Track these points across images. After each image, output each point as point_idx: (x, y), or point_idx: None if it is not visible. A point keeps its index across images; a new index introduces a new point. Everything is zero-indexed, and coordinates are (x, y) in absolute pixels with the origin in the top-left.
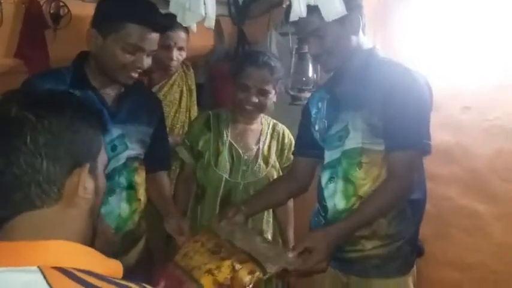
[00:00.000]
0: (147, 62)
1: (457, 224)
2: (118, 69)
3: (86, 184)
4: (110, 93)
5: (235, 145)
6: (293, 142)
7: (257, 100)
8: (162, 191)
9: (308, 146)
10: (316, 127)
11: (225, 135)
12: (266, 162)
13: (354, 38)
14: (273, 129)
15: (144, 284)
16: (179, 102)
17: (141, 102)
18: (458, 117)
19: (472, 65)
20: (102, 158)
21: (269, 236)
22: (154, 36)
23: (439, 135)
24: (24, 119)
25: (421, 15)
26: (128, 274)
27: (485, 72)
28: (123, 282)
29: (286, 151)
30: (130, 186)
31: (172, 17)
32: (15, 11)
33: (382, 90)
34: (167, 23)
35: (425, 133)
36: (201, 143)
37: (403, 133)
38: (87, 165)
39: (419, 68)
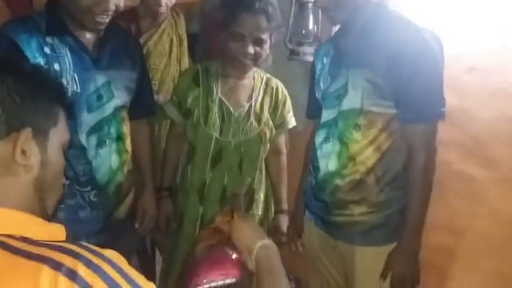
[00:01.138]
0: (115, 2)
1: (453, 188)
2: (82, 13)
3: (26, 149)
4: (89, 37)
5: (225, 102)
6: (288, 98)
7: (253, 51)
8: (141, 144)
9: (318, 107)
10: (321, 84)
11: (214, 91)
12: (258, 120)
13: None
14: (266, 84)
15: (84, 243)
16: (169, 53)
17: (122, 46)
18: (462, 79)
19: (478, 25)
20: (59, 134)
21: (261, 196)
22: None
23: None
24: None
25: None
26: (118, 228)
27: (492, 33)
28: (65, 245)
29: (280, 108)
30: (119, 137)
31: None
32: None
33: (389, 48)
34: None
35: (441, 100)
36: (189, 100)
37: (421, 104)
38: (27, 131)
39: (423, 25)
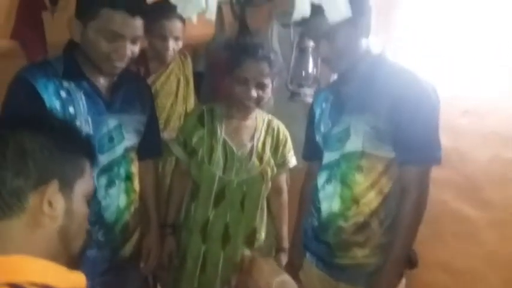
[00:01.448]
0: (131, 49)
1: (450, 228)
2: (101, 58)
3: (52, 201)
4: (103, 82)
5: (229, 141)
6: (288, 138)
7: (255, 94)
8: (147, 182)
9: (314, 149)
10: (322, 128)
11: (218, 131)
12: (260, 159)
13: (364, 40)
14: (268, 125)
15: None
16: (176, 92)
17: (134, 90)
18: (456, 121)
19: (473, 69)
20: (83, 185)
21: (262, 234)
22: (135, 21)
23: None
24: (2, 136)
25: (422, 17)
26: (123, 268)
27: (485, 77)
28: None
29: (281, 147)
30: (128, 177)
31: (167, 5)
32: None
33: (390, 96)
34: (148, 7)
35: (437, 144)
36: (194, 139)
37: (417, 147)
38: (55, 183)
39: (420, 70)
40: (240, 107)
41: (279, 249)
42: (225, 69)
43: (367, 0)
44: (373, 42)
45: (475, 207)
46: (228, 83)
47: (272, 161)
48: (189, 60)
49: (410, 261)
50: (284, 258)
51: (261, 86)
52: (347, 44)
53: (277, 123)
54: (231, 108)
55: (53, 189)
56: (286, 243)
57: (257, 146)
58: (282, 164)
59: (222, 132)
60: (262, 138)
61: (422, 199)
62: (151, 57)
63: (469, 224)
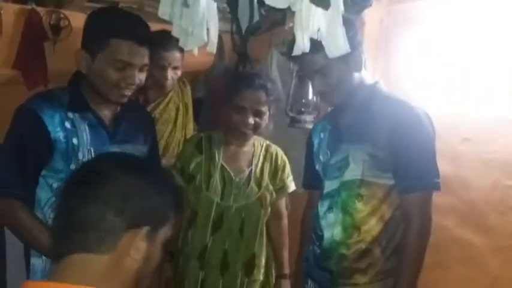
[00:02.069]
0: (139, 77)
1: (453, 254)
2: (110, 87)
3: (140, 246)
4: (106, 113)
5: (226, 168)
6: (287, 163)
7: (253, 121)
8: None
9: (314, 178)
10: (321, 157)
11: (216, 158)
12: (258, 185)
13: (357, 74)
14: (266, 150)
15: None
16: (175, 120)
17: (136, 121)
18: (457, 147)
19: (472, 96)
20: (166, 233)
21: (262, 260)
22: (142, 50)
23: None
24: (110, 172)
25: (422, 44)
26: None
27: (485, 104)
28: None
29: (279, 173)
30: None
31: (166, 36)
32: (14, 21)
33: (386, 124)
34: (153, 36)
35: (436, 171)
36: (192, 166)
37: (416, 174)
38: (145, 229)
39: (420, 97)
40: (238, 134)
41: (279, 276)
42: (224, 102)
43: (356, 36)
44: (366, 74)
45: (478, 234)
46: (226, 111)
47: (271, 187)
48: (189, 88)
49: None
50: (285, 285)
51: (258, 114)
52: (340, 79)
53: (275, 149)
54: (229, 135)
55: (142, 234)
56: (287, 270)
57: (255, 171)
58: (281, 189)
59: (219, 159)
60: (260, 164)
61: (425, 225)
62: (150, 86)
63: (472, 250)
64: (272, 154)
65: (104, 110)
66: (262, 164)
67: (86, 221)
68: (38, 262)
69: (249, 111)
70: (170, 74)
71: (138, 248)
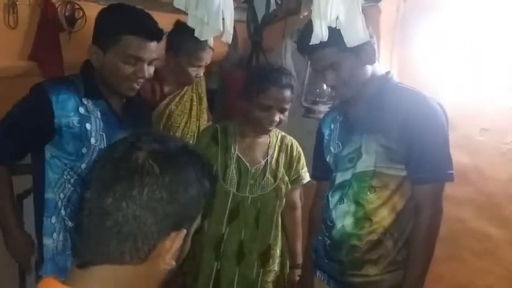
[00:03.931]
0: (148, 71)
1: (469, 246)
2: (121, 81)
3: (174, 250)
4: (117, 102)
5: (242, 159)
6: (302, 154)
7: (278, 119)
8: None
9: (324, 169)
10: (331, 149)
11: (232, 149)
12: (274, 176)
13: (369, 67)
14: (281, 141)
15: None
16: (189, 111)
17: (139, 109)
18: (475, 138)
19: (490, 86)
20: (196, 223)
21: (277, 251)
22: (152, 45)
23: (454, 155)
24: (149, 169)
25: (439, 34)
26: None
27: (503, 94)
28: None
29: (294, 164)
30: None
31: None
32: (30, 13)
33: (399, 115)
34: (161, 31)
35: (449, 162)
36: (208, 157)
37: (429, 165)
38: (184, 231)
39: (437, 87)
40: (261, 130)
41: (293, 266)
42: (239, 86)
43: (368, 29)
44: (379, 66)
45: (495, 225)
46: (249, 106)
47: (286, 178)
48: (203, 79)
49: None
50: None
51: (282, 111)
52: (352, 73)
53: (290, 140)
54: (246, 128)
55: (180, 238)
56: (300, 259)
57: (271, 162)
58: (295, 179)
59: (235, 150)
60: (276, 155)
61: (436, 216)
62: (167, 78)
63: (489, 242)
64: (287, 145)
65: (114, 98)
66: (278, 154)
67: (123, 226)
68: (49, 242)
69: (275, 109)
70: (201, 72)
71: (174, 252)
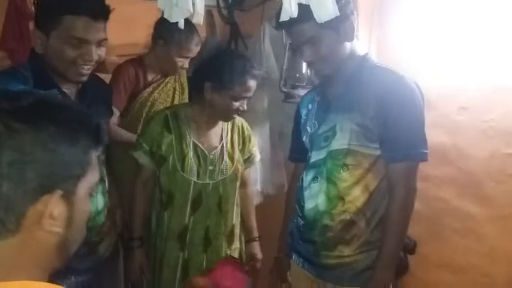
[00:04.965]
0: (97, 53)
1: (450, 225)
2: (67, 66)
3: (55, 214)
4: (69, 89)
5: (199, 145)
6: (251, 133)
7: (242, 108)
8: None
9: (300, 150)
10: (308, 128)
11: (187, 136)
12: (231, 159)
13: (348, 44)
14: (233, 123)
15: None
16: (172, 100)
17: (98, 94)
18: (454, 117)
19: (469, 65)
20: (89, 178)
21: (238, 228)
22: (98, 24)
23: (434, 135)
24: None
25: (418, 13)
26: (101, 268)
27: (482, 73)
28: None
29: (247, 143)
30: (102, 179)
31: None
32: None
33: (375, 94)
34: (108, 9)
35: (423, 142)
36: (164, 147)
37: (404, 144)
38: (59, 192)
39: (416, 66)
40: (224, 118)
41: (250, 240)
42: (212, 84)
43: (349, 5)
44: (358, 45)
45: (476, 204)
46: (211, 92)
47: (241, 158)
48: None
49: (408, 249)
50: (257, 247)
51: (245, 99)
52: (330, 49)
53: (240, 120)
54: (203, 113)
55: (56, 199)
56: (256, 233)
57: (226, 145)
58: (248, 159)
59: (191, 137)
60: (229, 137)
61: (410, 195)
62: (151, 65)
63: (470, 221)
64: (239, 126)
65: (68, 85)
66: (232, 136)
67: None
68: None
69: (239, 98)
70: (186, 63)
71: (53, 217)
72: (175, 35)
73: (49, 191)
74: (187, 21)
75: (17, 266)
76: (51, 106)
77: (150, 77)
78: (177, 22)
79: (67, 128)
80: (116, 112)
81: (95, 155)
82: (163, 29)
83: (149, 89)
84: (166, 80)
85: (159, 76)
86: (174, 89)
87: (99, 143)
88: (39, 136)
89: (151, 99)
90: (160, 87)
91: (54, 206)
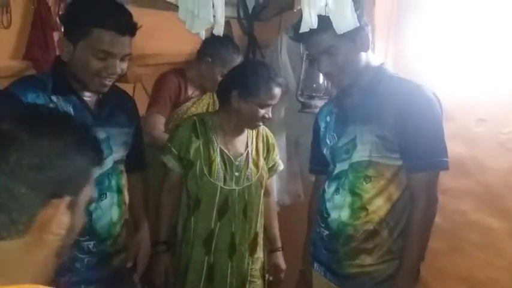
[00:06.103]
0: (120, 67)
1: (469, 239)
2: (91, 76)
3: (61, 219)
4: (90, 97)
5: (225, 151)
6: (275, 142)
7: (267, 116)
8: (135, 195)
9: (321, 163)
10: (327, 141)
11: (215, 142)
12: (256, 166)
13: (364, 54)
14: (257, 131)
15: None
16: None
17: (120, 104)
18: (472, 129)
19: (487, 76)
20: (86, 192)
21: (262, 238)
22: (124, 40)
23: (452, 146)
24: (15, 135)
25: (435, 24)
26: (116, 279)
27: (500, 84)
28: None
29: (271, 151)
30: (119, 190)
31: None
32: (23, 12)
33: (394, 104)
34: (135, 25)
35: (444, 150)
36: (192, 152)
37: (424, 153)
38: (68, 198)
39: (433, 78)
40: (251, 127)
41: (273, 250)
42: (241, 94)
43: (363, 15)
44: (373, 56)
45: (495, 217)
46: (238, 101)
47: (265, 166)
48: None
49: None
50: (281, 258)
51: (270, 106)
52: (347, 59)
53: (263, 128)
54: (231, 122)
55: (64, 205)
56: (279, 243)
57: (252, 153)
58: (272, 167)
59: (218, 143)
60: (254, 145)
61: (431, 205)
62: (195, 84)
63: (489, 234)
64: (263, 134)
65: (88, 94)
66: (256, 144)
67: None
68: None
69: (265, 107)
70: None
71: (60, 222)
72: (222, 55)
73: (59, 196)
74: (232, 41)
75: (23, 267)
76: (67, 120)
77: (190, 91)
78: (223, 41)
79: (80, 141)
80: (162, 119)
81: (93, 171)
82: (211, 47)
83: (189, 103)
84: (205, 96)
85: (198, 91)
86: (208, 104)
87: (100, 160)
88: (57, 144)
89: (188, 112)
90: (196, 104)
91: (62, 211)
